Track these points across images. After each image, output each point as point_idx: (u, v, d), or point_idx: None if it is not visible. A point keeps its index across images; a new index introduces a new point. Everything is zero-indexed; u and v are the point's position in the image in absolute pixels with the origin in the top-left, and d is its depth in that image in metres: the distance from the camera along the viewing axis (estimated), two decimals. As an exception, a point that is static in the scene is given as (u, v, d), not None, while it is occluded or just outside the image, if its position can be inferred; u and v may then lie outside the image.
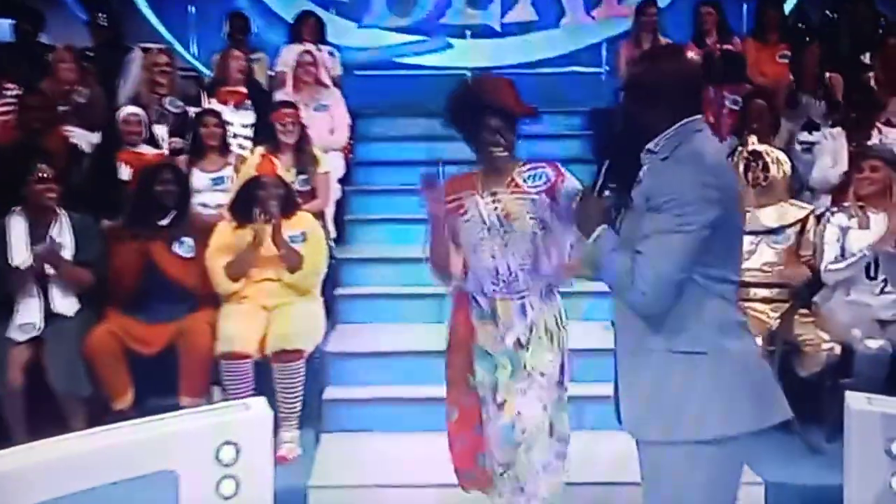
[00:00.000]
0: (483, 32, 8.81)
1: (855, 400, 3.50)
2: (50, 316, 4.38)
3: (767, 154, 4.73)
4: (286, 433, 4.31)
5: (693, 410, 2.26)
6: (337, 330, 5.20)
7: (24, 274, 4.35)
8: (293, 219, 4.63)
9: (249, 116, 6.15)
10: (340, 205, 6.16)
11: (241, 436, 3.32)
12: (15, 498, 2.92)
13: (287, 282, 4.54)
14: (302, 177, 5.40)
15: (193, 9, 8.65)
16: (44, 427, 3.83)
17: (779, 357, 4.25)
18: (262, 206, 4.48)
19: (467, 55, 8.65)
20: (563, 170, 3.25)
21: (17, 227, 4.46)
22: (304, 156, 5.50)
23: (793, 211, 4.68)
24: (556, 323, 3.24)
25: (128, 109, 5.50)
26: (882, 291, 4.40)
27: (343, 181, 6.29)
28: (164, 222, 4.62)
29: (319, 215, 5.32)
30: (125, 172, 5.17)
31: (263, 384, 4.29)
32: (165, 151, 5.52)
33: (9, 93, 5.76)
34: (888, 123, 5.81)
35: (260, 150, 5.25)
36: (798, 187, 5.32)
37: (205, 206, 5.19)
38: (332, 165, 5.82)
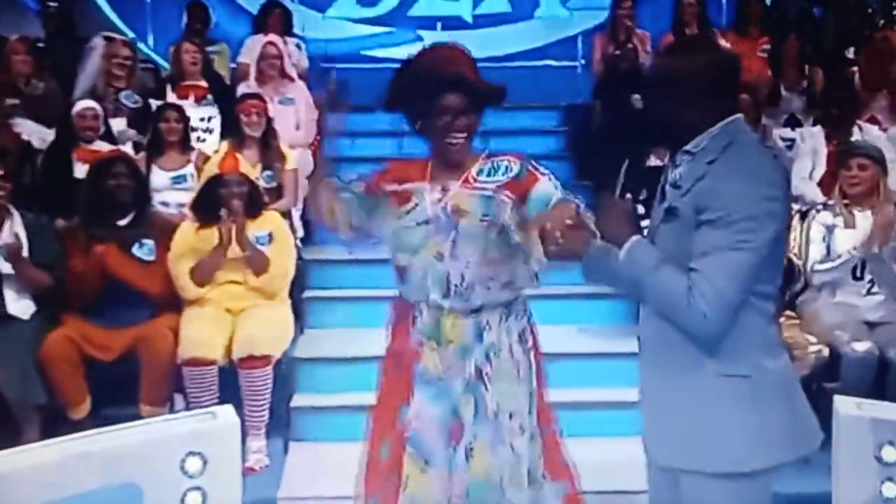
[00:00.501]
0: (454, 24, 8.81)
1: (844, 404, 3.52)
2: (3, 318, 4.33)
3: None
4: (253, 443, 4.28)
5: (736, 439, 2.16)
6: (305, 334, 5.17)
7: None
8: (259, 219, 4.60)
9: (210, 110, 6.10)
10: (307, 203, 6.12)
11: (208, 446, 3.28)
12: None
13: (253, 285, 4.50)
14: (267, 173, 5.36)
15: (150, -3, 8.59)
16: (-5, 437, 3.78)
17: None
18: (226, 205, 4.44)
19: (438, 48, 8.62)
20: (538, 170, 2.84)
21: (-34, 226, 4.40)
22: (270, 151, 5.46)
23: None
24: (523, 347, 2.83)
25: (83, 103, 5.44)
26: (869, 292, 4.45)
27: (311, 178, 6.25)
28: (123, 223, 4.56)
29: (286, 214, 5.29)
30: (81, 170, 5.11)
31: (229, 392, 4.25)
32: (124, 148, 5.45)
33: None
34: (870, 120, 5.89)
35: (224, 145, 5.21)
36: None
37: (165, 205, 5.15)
38: (299, 162, 5.79)
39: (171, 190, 5.25)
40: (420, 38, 8.79)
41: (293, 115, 6.27)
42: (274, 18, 7.21)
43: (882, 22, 7.29)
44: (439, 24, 8.78)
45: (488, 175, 2.79)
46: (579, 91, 8.06)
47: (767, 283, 2.21)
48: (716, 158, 2.17)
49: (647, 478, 2.44)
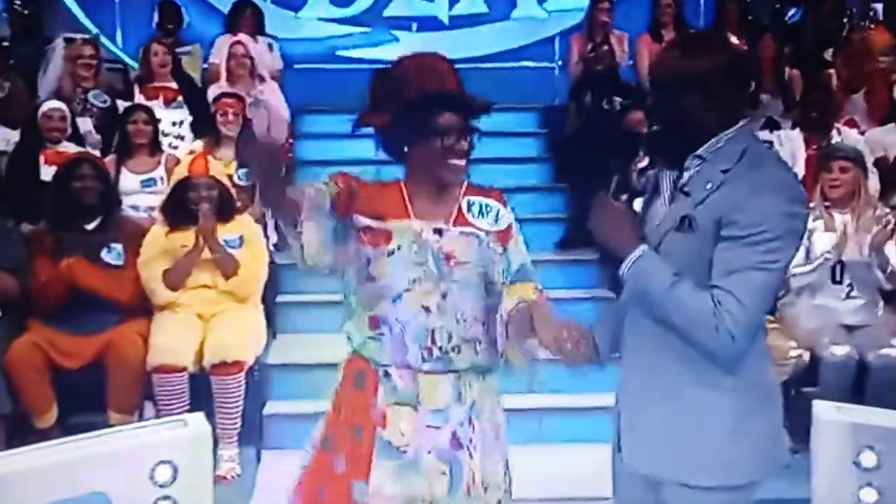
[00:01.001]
0: (430, 25, 8.81)
1: (822, 409, 3.55)
2: (-35, 325, 4.29)
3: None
4: (225, 451, 4.27)
5: (722, 451, 2.15)
6: (279, 340, 5.16)
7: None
8: (230, 223, 4.58)
9: (180, 114, 6.07)
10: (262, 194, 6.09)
11: (178, 454, 3.26)
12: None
13: (224, 289, 4.48)
14: (243, 170, 5.37)
15: (119, -5, 8.54)
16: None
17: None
18: (195, 208, 4.42)
19: (413, 49, 8.57)
20: (511, 219, 2.51)
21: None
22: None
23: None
24: (497, 408, 2.50)
25: (49, 104, 5.42)
26: (848, 296, 4.50)
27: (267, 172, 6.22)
28: (90, 226, 4.52)
29: (260, 218, 5.27)
30: (48, 172, 5.07)
31: (200, 399, 4.24)
32: (93, 150, 5.42)
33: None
34: (848, 123, 5.96)
35: (197, 144, 5.20)
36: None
37: (135, 208, 5.14)
38: (272, 164, 5.76)
39: (140, 193, 5.24)
40: (395, 39, 8.80)
41: (265, 116, 6.25)
42: (245, 18, 7.20)
43: (859, 23, 7.37)
44: (415, 25, 8.78)
45: (479, 214, 2.45)
46: (557, 92, 8.11)
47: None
48: (731, 167, 2.11)
49: (613, 485, 2.43)
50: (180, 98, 6.18)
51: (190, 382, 4.28)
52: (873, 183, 5.03)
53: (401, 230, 2.35)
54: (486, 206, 2.47)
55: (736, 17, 7.19)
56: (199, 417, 3.50)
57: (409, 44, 8.75)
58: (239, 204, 4.83)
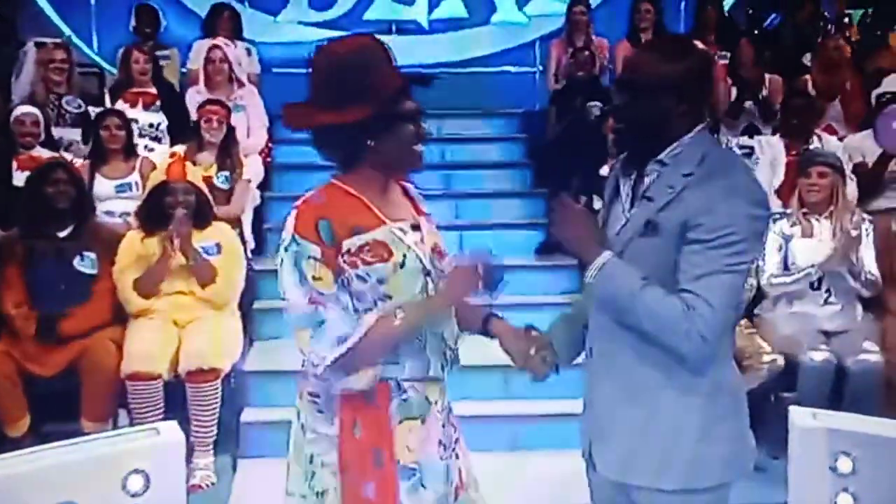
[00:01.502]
0: (409, 29, 8.82)
1: (799, 415, 3.58)
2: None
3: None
4: (200, 460, 4.25)
5: (692, 454, 2.16)
6: (255, 347, 5.15)
7: None
8: (207, 229, 4.57)
9: (159, 116, 6.07)
10: (258, 212, 6.10)
11: (151, 463, 3.26)
12: None
13: (200, 296, 4.47)
14: (224, 174, 5.38)
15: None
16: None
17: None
18: (172, 213, 4.41)
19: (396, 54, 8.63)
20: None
21: None
22: (228, 158, 5.50)
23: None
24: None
25: (22, 109, 5.39)
26: (826, 302, 4.53)
27: (261, 187, 6.23)
28: (63, 234, 4.50)
29: (236, 223, 5.27)
30: (21, 178, 5.04)
31: (175, 407, 4.22)
32: (68, 156, 5.39)
33: None
34: (827, 129, 6.01)
35: (177, 149, 5.20)
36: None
37: (110, 214, 5.11)
38: (250, 170, 5.77)
39: (115, 199, 5.21)
40: (375, 43, 8.78)
41: (243, 121, 6.24)
42: (223, 22, 7.18)
43: (833, 29, 7.44)
44: (394, 29, 8.78)
45: (420, 201, 2.36)
46: (538, 97, 8.13)
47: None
48: (693, 171, 2.12)
49: (590, 492, 2.44)
50: (158, 103, 6.16)
51: (165, 390, 4.26)
52: (851, 189, 5.06)
53: (391, 238, 2.17)
54: (418, 192, 2.37)
55: (715, 23, 7.24)
56: (171, 426, 3.50)
57: (389, 48, 8.77)
58: (216, 208, 4.83)
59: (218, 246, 4.57)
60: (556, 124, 6.73)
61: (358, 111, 2.11)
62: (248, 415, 4.67)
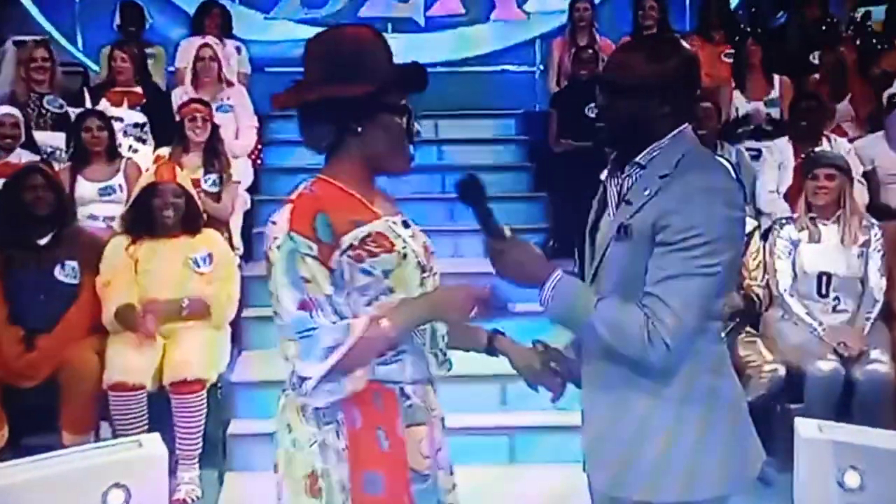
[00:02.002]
0: (406, 27, 8.82)
1: (805, 427, 3.58)
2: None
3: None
4: (185, 473, 4.24)
5: (685, 465, 2.15)
6: (243, 357, 5.14)
7: None
8: (197, 237, 4.56)
9: (142, 117, 6.06)
10: (247, 216, 6.09)
11: (132, 477, 3.26)
12: None
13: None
14: (212, 177, 5.37)
15: (78, -5, 8.51)
16: None
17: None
18: (160, 217, 4.41)
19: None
20: None
21: None
22: (216, 159, 5.48)
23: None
24: None
25: (2, 109, 5.37)
26: (834, 310, 4.53)
27: (251, 190, 6.23)
28: (43, 241, 4.48)
29: (224, 228, 5.26)
30: (-1, 183, 5.04)
31: (159, 418, 4.21)
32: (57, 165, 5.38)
33: None
34: (836, 131, 6.00)
35: (162, 152, 5.20)
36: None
37: (93, 218, 5.10)
38: (239, 173, 5.77)
39: (98, 202, 5.19)
40: (370, 42, 8.79)
41: (232, 122, 6.24)
42: (212, 19, 7.18)
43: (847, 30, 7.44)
44: (390, 26, 8.79)
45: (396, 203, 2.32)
46: (538, 98, 8.14)
47: (718, 303, 2.20)
48: (669, 173, 2.12)
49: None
50: (145, 101, 6.16)
51: (149, 401, 4.25)
52: (860, 193, 5.06)
53: (389, 231, 2.14)
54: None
55: (719, 22, 7.24)
56: (154, 438, 3.50)
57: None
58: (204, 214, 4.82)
59: (210, 256, 4.56)
60: (558, 125, 6.71)
61: (349, 88, 2.08)
62: (235, 427, 4.66)
